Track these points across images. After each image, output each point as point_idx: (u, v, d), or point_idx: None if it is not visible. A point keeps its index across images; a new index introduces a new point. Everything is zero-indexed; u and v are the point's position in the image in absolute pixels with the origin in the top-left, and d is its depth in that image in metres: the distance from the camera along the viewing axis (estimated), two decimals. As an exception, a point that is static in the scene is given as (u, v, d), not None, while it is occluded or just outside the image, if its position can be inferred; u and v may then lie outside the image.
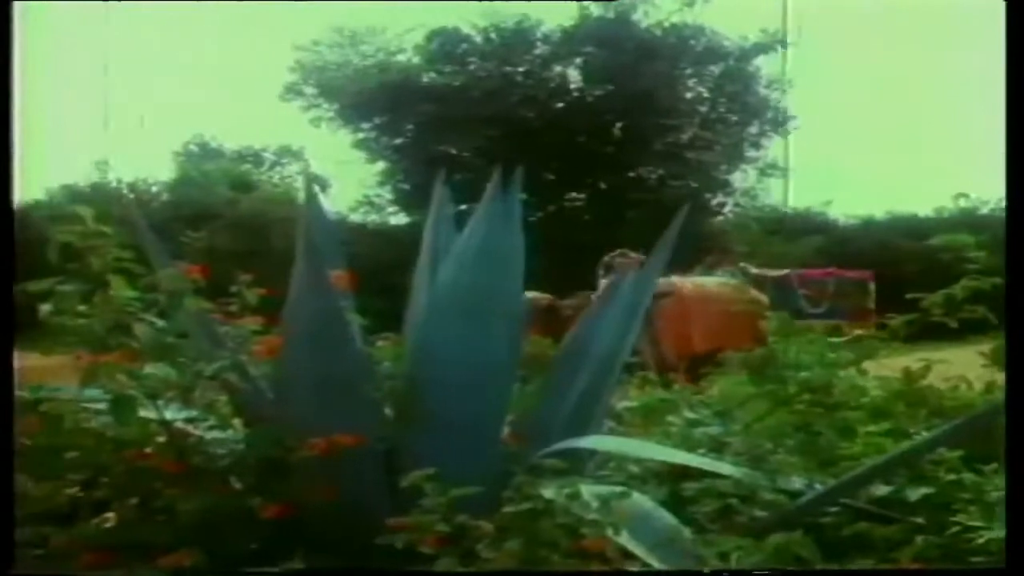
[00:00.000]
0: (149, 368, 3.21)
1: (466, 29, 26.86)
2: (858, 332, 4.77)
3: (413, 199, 26.32)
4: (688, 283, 13.45)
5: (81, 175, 26.53)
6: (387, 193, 27.79)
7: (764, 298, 13.86)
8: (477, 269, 3.58)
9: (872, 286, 18.25)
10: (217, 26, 31.13)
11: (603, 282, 16.30)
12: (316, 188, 3.59)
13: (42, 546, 3.25)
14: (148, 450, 3.40)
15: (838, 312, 16.24)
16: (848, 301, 17.65)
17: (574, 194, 27.34)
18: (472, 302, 3.58)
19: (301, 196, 29.05)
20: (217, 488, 3.31)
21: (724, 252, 16.74)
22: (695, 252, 14.84)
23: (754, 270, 15.88)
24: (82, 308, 3.20)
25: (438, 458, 3.10)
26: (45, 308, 3.09)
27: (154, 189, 26.37)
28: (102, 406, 3.29)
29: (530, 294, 10.18)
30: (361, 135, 27.14)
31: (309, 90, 27.18)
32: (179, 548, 3.13)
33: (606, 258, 14.71)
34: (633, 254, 14.88)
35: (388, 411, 3.56)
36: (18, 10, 3.11)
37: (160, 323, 3.19)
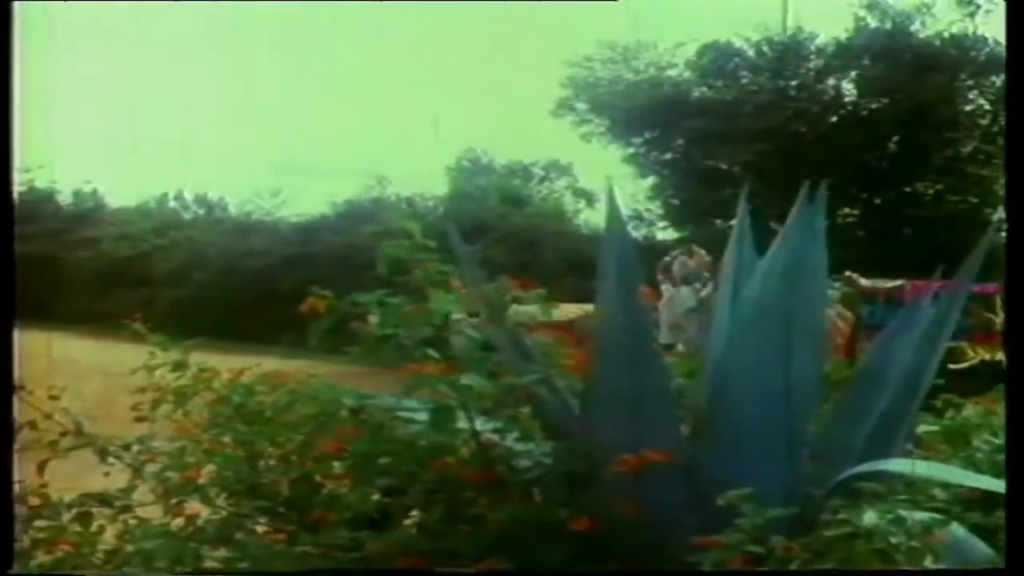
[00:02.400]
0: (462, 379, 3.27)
1: (738, 43, 26.60)
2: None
3: (682, 214, 26.19)
4: None
5: (363, 189, 27.55)
6: (656, 208, 27.74)
7: (848, 314, 12.48)
8: (783, 286, 3.54)
9: (1000, 301, 14.65)
10: (491, 41, 31.74)
11: (663, 287, 14.85)
12: (618, 204, 3.58)
13: (358, 550, 3.36)
14: (454, 460, 3.47)
15: (959, 331, 13.27)
16: (970, 318, 14.75)
17: (847, 209, 26.67)
18: (777, 319, 3.54)
19: (570, 211, 29.38)
20: (521, 499, 3.36)
21: None
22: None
23: (863, 281, 14.28)
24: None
25: (739, 476, 3.08)
26: (372, 319, 3.20)
27: (430, 203, 27.06)
28: (414, 415, 3.39)
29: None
30: (631, 150, 27.16)
31: (580, 106, 27.35)
32: (486, 556, 3.19)
33: (666, 258, 13.58)
34: (700, 251, 13.81)
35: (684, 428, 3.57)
36: (18, 10, 3.22)
37: (475, 335, 3.26)
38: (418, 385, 3.19)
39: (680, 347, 11.70)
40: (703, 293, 13.05)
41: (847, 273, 13.19)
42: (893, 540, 2.79)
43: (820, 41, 26.64)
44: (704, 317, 12.24)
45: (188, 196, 29.32)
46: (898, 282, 15.18)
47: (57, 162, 26.68)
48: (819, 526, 2.97)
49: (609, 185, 3.28)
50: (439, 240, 3.58)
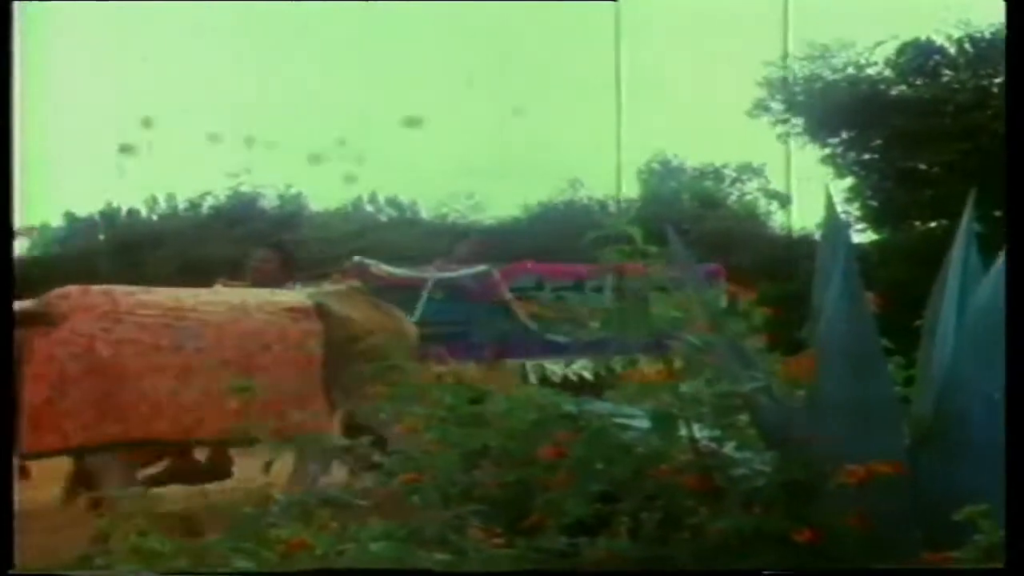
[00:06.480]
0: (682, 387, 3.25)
1: (939, 40, 25.90)
2: None
3: (881, 215, 25.59)
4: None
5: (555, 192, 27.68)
6: (854, 210, 27.15)
7: (409, 328, 7.36)
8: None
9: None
10: (681, 40, 31.46)
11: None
12: (836, 208, 3.52)
13: (574, 555, 3.35)
14: (671, 467, 3.44)
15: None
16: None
17: (1054, 211, 25.76)
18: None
19: (763, 213, 29.04)
20: (741, 508, 3.32)
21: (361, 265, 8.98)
22: None
23: (387, 269, 8.98)
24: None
25: (966, 489, 2.99)
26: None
27: (622, 205, 27.03)
28: (634, 422, 3.38)
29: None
30: (828, 150, 26.65)
31: (776, 106, 26.95)
32: (705, 564, 3.16)
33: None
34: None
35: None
36: (18, 10, 3.23)
37: (695, 341, 3.24)
38: (643, 392, 3.18)
39: None
40: None
41: (356, 258, 9.01)
42: None
43: (1026, 36, 25.69)
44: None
45: (381, 199, 29.81)
46: (482, 267, 9.50)
47: (260, 167, 27.47)
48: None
49: (827, 189, 3.22)
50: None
